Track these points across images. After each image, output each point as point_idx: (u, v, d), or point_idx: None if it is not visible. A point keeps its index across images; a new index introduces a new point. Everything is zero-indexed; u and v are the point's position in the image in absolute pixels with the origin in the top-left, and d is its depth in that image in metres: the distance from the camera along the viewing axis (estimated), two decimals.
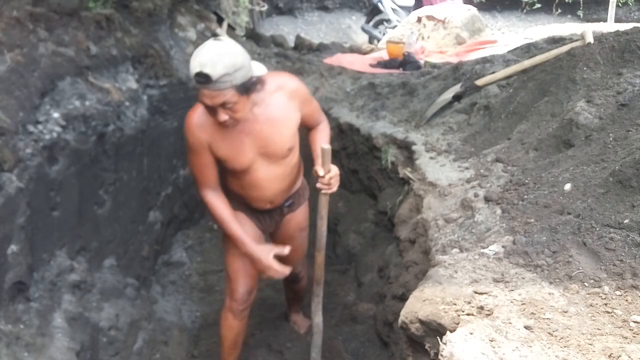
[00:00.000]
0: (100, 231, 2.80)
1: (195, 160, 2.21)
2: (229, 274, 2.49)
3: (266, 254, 2.28)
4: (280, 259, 2.37)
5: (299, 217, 2.65)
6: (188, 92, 3.97)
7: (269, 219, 2.56)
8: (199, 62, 1.84)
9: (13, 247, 2.07)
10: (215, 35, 4.70)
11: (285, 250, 2.34)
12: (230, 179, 2.34)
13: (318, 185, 2.31)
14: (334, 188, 2.32)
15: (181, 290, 3.58)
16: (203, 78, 1.84)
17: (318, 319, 2.68)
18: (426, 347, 1.77)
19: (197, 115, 2.15)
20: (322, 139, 2.39)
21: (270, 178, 2.31)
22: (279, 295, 3.54)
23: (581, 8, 9.10)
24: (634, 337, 1.44)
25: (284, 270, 2.31)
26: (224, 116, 1.97)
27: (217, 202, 2.26)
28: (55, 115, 2.46)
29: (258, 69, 2.04)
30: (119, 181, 2.95)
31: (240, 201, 2.40)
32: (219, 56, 1.84)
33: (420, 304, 1.77)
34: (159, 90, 3.50)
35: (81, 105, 2.62)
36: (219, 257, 3.99)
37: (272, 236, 2.71)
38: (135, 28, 3.45)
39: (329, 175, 2.27)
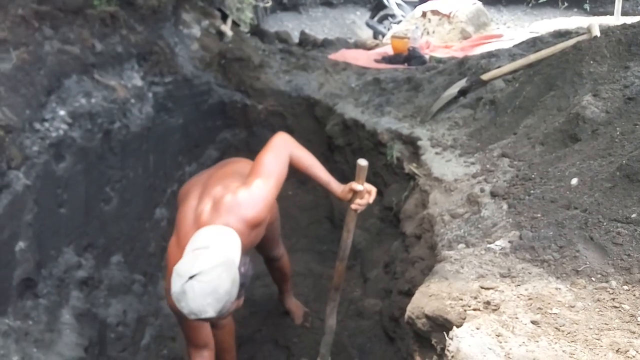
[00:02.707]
0: (107, 228, 2.81)
1: (186, 327, 2.11)
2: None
3: None
4: (263, 247, 2.62)
5: None
6: (193, 89, 3.98)
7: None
8: (191, 311, 1.70)
9: (21, 244, 2.08)
10: (220, 32, 4.70)
11: None
12: None
13: (354, 205, 2.31)
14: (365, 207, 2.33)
15: None
16: (205, 319, 1.76)
17: (332, 321, 2.71)
18: (432, 342, 1.77)
19: None
20: (312, 165, 2.28)
21: None
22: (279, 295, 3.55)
23: (587, 1, 9.03)
24: None
25: None
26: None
27: None
28: (62, 112, 2.47)
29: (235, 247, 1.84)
30: (125, 178, 2.96)
31: None
32: (207, 301, 1.69)
33: (427, 300, 1.77)
34: (164, 87, 3.51)
35: (87, 102, 2.63)
36: None
37: None
38: (139, 25, 3.45)
39: (368, 190, 2.28)
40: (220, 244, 1.80)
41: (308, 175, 2.31)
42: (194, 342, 2.18)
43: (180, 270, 1.73)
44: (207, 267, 1.71)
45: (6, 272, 2.02)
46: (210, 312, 1.71)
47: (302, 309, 3.30)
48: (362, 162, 2.25)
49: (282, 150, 2.17)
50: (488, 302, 1.62)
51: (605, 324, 1.48)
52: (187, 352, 2.25)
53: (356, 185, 2.27)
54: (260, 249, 2.85)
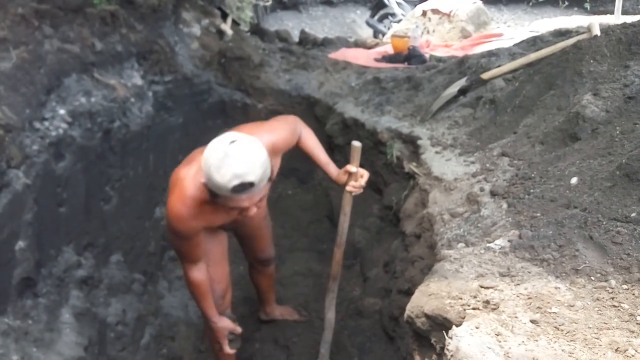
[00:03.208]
0: (107, 227, 2.81)
1: (186, 246, 2.18)
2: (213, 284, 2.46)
3: (224, 327, 2.43)
4: (254, 248, 2.72)
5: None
6: (193, 88, 3.97)
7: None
8: (234, 174, 1.72)
9: (21, 243, 2.08)
10: (220, 31, 4.70)
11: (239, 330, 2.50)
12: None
13: (348, 187, 2.39)
14: (361, 190, 2.40)
15: None
16: (246, 186, 1.76)
17: (331, 314, 2.74)
18: (432, 341, 1.77)
19: (187, 208, 2.02)
20: (315, 146, 2.44)
21: None
22: (284, 290, 3.55)
23: (588, 0, 9.01)
24: None
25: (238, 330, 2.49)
26: (254, 209, 1.92)
27: (202, 281, 2.29)
28: (61, 111, 2.47)
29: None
30: (125, 177, 2.96)
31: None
32: (251, 161, 1.75)
33: (426, 299, 1.77)
34: (164, 86, 3.51)
35: (87, 101, 2.63)
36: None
37: (239, 232, 2.73)
38: (139, 24, 3.45)
39: (361, 173, 2.39)
40: (248, 136, 1.86)
41: (310, 154, 2.41)
42: (191, 258, 2.24)
43: (218, 144, 1.78)
44: (244, 137, 1.80)
45: (6, 271, 2.02)
46: (252, 176, 1.74)
47: (289, 308, 3.30)
48: (356, 143, 2.34)
49: (292, 124, 2.32)
50: (487, 301, 1.62)
51: (605, 323, 1.48)
52: (184, 271, 2.31)
53: (350, 167, 2.36)
54: (250, 251, 2.86)
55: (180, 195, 2.02)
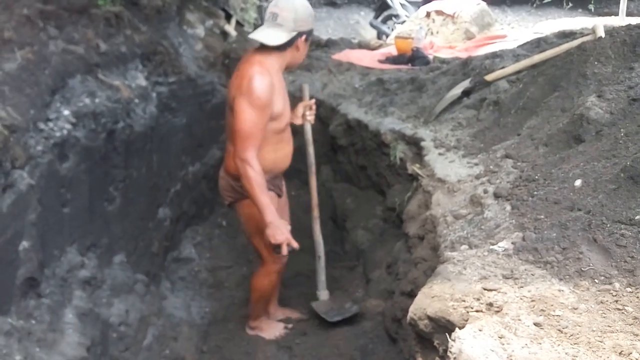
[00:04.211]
0: (110, 228, 2.82)
1: (258, 117, 2.47)
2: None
3: (285, 226, 2.58)
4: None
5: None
6: (197, 89, 3.98)
7: (280, 182, 2.97)
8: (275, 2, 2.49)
9: (24, 244, 2.09)
10: (224, 32, 4.71)
11: (295, 244, 2.60)
12: (265, 145, 2.61)
13: (308, 117, 3.05)
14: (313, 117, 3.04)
15: (190, 286, 3.60)
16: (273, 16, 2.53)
17: (320, 238, 3.24)
18: (435, 343, 1.77)
19: (267, 75, 2.48)
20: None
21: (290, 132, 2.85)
22: (286, 291, 3.55)
23: (592, 2, 8.98)
24: None
25: (296, 244, 2.58)
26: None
27: (258, 168, 2.49)
28: (66, 112, 2.47)
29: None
30: (128, 178, 2.97)
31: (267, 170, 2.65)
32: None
33: (429, 301, 1.77)
34: (167, 87, 3.51)
35: (91, 102, 2.64)
36: (228, 254, 4.01)
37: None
38: (144, 25, 3.46)
39: (310, 104, 3.02)
40: None
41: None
42: (257, 137, 2.50)
43: None
44: None
45: (9, 271, 2.02)
46: (291, 13, 2.45)
47: (288, 309, 3.37)
48: (305, 85, 3.26)
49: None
50: (491, 304, 1.61)
51: (609, 326, 1.48)
52: (243, 163, 2.49)
53: (306, 101, 3.07)
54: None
55: (260, 62, 2.50)
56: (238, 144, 2.48)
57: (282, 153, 2.77)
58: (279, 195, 2.93)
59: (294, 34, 2.50)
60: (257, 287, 3.02)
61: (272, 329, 3.17)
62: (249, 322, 3.18)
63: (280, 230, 2.52)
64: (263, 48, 2.55)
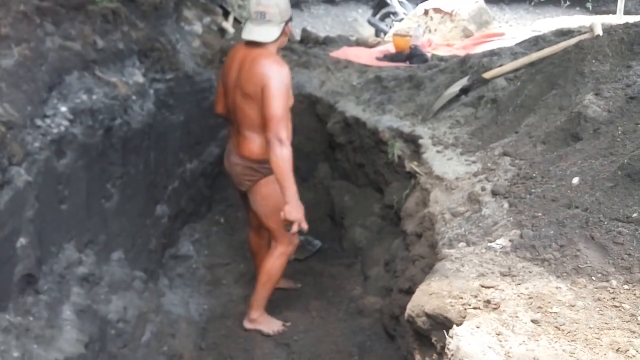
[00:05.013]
0: (108, 224, 2.82)
1: (286, 101, 2.74)
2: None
3: (302, 208, 2.77)
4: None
5: None
6: (194, 86, 3.97)
7: None
8: (258, 1, 2.75)
9: (22, 240, 2.09)
10: (222, 29, 4.70)
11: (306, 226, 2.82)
12: None
13: None
14: None
15: (188, 283, 3.60)
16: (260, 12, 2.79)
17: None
18: (432, 340, 1.78)
19: (284, 64, 2.80)
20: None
21: None
22: (283, 290, 3.55)
23: (590, 0, 9.00)
24: None
25: (306, 226, 2.79)
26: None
27: (291, 148, 2.73)
28: (63, 109, 2.46)
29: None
30: (126, 175, 2.96)
31: None
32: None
33: (427, 298, 1.77)
34: (165, 84, 3.50)
35: (88, 99, 2.63)
36: (226, 251, 4.01)
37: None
38: (141, 22, 3.45)
39: None
40: None
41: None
42: (288, 117, 2.76)
43: None
44: None
45: (7, 268, 2.02)
46: (276, 8, 2.73)
47: (284, 279, 3.49)
48: None
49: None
50: (488, 301, 1.62)
51: (606, 323, 1.48)
52: (279, 146, 2.69)
53: None
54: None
55: (273, 54, 2.82)
56: (274, 127, 2.68)
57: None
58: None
59: (283, 25, 2.82)
60: (268, 269, 3.08)
61: (270, 325, 3.17)
62: (249, 315, 3.17)
63: (297, 210, 2.72)
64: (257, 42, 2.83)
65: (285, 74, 2.76)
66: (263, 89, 2.71)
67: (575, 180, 2.12)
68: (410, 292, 2.25)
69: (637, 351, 1.35)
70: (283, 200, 2.72)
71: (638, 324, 1.47)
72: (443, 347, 1.61)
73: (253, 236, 3.36)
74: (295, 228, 2.75)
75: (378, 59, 5.31)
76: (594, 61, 2.84)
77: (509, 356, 1.38)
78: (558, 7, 10.47)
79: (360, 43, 6.44)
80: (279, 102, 2.70)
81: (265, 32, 2.78)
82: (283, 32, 2.85)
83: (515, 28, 8.18)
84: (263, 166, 2.85)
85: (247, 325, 3.17)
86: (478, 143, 3.05)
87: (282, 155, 2.68)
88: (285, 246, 3.05)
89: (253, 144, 2.86)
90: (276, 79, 2.71)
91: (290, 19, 2.88)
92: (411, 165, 3.23)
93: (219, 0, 5.15)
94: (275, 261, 3.06)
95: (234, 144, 2.99)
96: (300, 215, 2.74)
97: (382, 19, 9.03)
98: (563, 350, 1.38)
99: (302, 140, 4.28)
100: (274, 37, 2.80)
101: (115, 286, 2.73)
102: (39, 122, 2.31)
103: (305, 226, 2.77)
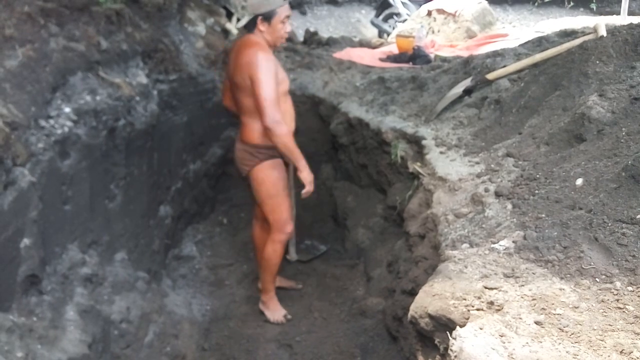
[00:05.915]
0: (112, 225, 2.82)
1: (273, 82, 2.85)
2: (280, 214, 3.17)
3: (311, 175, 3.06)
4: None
5: None
6: (198, 87, 3.98)
7: None
8: None
9: (26, 241, 2.09)
10: (225, 30, 4.71)
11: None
12: None
13: None
14: None
15: (191, 283, 3.61)
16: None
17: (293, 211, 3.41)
18: (436, 342, 1.77)
19: (265, 48, 2.92)
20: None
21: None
22: (285, 291, 3.55)
23: (594, 1, 8.96)
24: None
25: (312, 189, 3.09)
26: (289, 27, 3.02)
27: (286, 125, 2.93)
28: (67, 110, 2.47)
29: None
30: (129, 175, 2.97)
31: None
32: None
33: (430, 299, 1.77)
34: (168, 85, 3.51)
35: (92, 100, 2.63)
36: (229, 251, 4.01)
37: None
38: (145, 23, 3.46)
39: None
40: None
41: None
42: (275, 96, 2.90)
43: None
44: None
45: (11, 268, 2.02)
46: (249, 1, 2.95)
47: (285, 279, 3.66)
48: None
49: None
50: (491, 302, 1.61)
51: (609, 325, 1.48)
52: (277, 128, 2.90)
53: None
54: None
55: (257, 43, 2.92)
56: (267, 110, 2.85)
57: (288, 116, 3.09)
58: (287, 165, 3.19)
59: (252, 16, 2.98)
60: (265, 255, 3.28)
61: (274, 312, 3.34)
62: (261, 298, 3.42)
63: (308, 174, 3.03)
64: (247, 33, 3.07)
65: (268, 59, 2.88)
66: (251, 78, 2.87)
67: (579, 181, 2.11)
68: (413, 293, 2.25)
69: None
70: (298, 169, 3.01)
71: None
72: (446, 349, 1.61)
73: (258, 230, 3.46)
74: (311, 188, 3.05)
75: (381, 59, 5.32)
76: (597, 62, 2.83)
77: (512, 358, 1.38)
78: (562, 8, 10.44)
79: (364, 44, 6.44)
80: (267, 87, 2.84)
81: (244, 22, 3.09)
82: (256, 26, 2.96)
83: (518, 29, 8.16)
84: (259, 151, 3.05)
85: (260, 306, 3.40)
86: (481, 144, 3.05)
87: (282, 133, 2.89)
88: (277, 233, 3.21)
89: (251, 129, 3.05)
90: (261, 65, 2.85)
91: (264, 16, 2.95)
92: (414, 166, 3.23)
93: (223, 2, 5.16)
94: (270, 247, 3.25)
95: (239, 131, 3.19)
96: (311, 177, 3.06)
97: (385, 20, 9.02)
98: (567, 352, 1.38)
99: (305, 141, 4.28)
100: (242, 24, 3.12)
101: (119, 287, 2.74)
102: (43, 122, 2.32)
103: (311, 189, 3.08)
